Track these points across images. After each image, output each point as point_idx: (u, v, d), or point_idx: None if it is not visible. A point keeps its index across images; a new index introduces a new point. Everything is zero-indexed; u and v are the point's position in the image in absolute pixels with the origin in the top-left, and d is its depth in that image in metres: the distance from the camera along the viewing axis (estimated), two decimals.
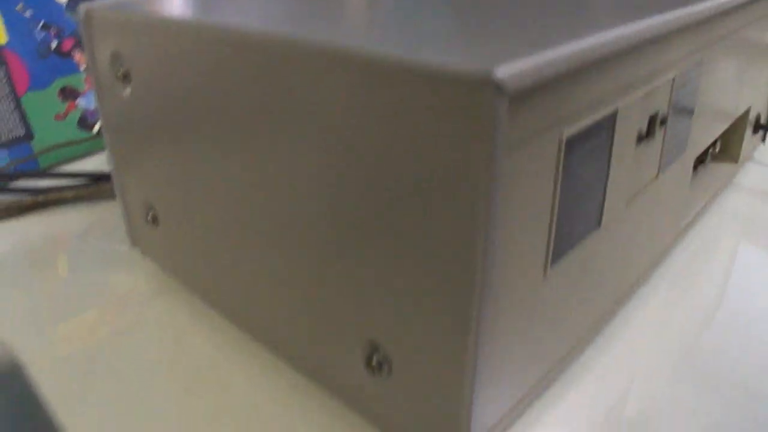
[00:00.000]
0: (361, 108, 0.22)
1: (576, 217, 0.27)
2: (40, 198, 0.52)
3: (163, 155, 0.36)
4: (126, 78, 0.36)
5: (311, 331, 0.30)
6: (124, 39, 0.35)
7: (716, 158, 0.49)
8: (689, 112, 0.36)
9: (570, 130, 0.24)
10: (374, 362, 0.27)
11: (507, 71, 0.19)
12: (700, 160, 0.47)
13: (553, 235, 0.25)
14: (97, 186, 0.53)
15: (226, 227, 0.33)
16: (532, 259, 0.25)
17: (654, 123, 0.31)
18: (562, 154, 0.24)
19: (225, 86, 0.28)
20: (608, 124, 0.27)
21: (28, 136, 0.60)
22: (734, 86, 0.43)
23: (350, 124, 0.23)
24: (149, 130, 0.36)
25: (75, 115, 0.62)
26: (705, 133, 0.41)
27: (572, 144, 0.24)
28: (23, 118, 0.59)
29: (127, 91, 0.36)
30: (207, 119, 0.31)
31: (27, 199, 0.52)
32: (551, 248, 0.26)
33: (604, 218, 0.29)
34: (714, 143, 0.48)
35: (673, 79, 0.32)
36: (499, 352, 0.25)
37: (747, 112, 0.48)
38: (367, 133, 0.23)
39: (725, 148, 0.50)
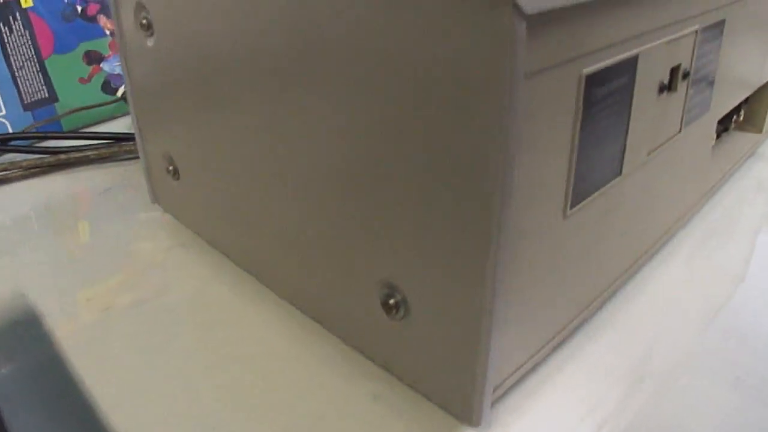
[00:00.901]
0: (392, 23, 0.22)
1: (597, 161, 0.27)
2: (62, 157, 0.53)
3: (185, 106, 0.36)
4: (149, 27, 0.36)
5: (330, 277, 0.30)
6: None
7: (740, 127, 0.49)
8: (712, 70, 0.35)
9: (590, 68, 0.24)
10: (392, 303, 0.27)
11: None
12: (724, 128, 0.47)
13: (573, 175, 0.25)
14: (119, 146, 0.54)
15: (245, 177, 0.33)
16: (551, 198, 0.25)
17: (676, 75, 0.31)
18: (582, 91, 0.24)
19: (252, 28, 0.29)
20: (629, 69, 0.26)
21: (52, 98, 0.60)
22: (758, 54, 0.43)
23: (378, 45, 0.23)
24: (171, 80, 0.36)
25: (99, 79, 0.63)
26: (728, 96, 0.40)
27: (592, 82, 0.24)
28: (47, 80, 0.60)
29: (150, 41, 0.37)
30: (231, 67, 0.31)
31: (50, 158, 0.53)
32: (571, 189, 0.26)
33: (625, 166, 0.29)
34: (738, 111, 0.48)
35: (696, 33, 0.31)
36: (518, 295, 0.25)
37: None
38: (395, 53, 0.22)
39: (749, 118, 0.49)
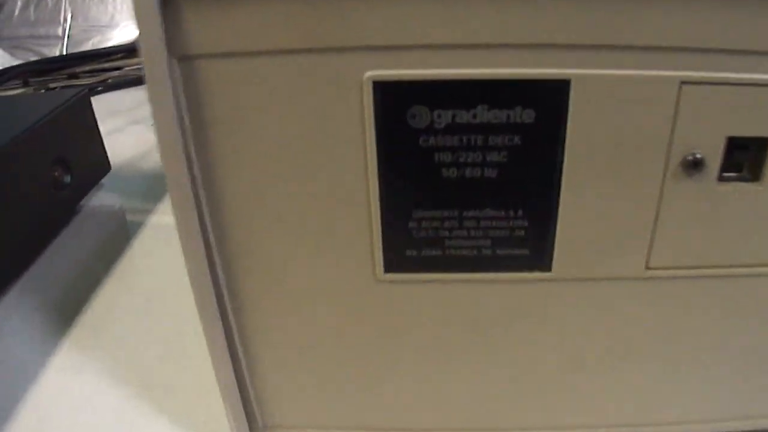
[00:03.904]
0: None
1: (455, 224, 0.18)
2: None
3: None
4: None
5: None
6: None
7: None
8: None
9: (376, 73, 0.15)
10: None
11: None
12: None
13: (380, 224, 0.17)
14: None
15: None
16: (355, 255, 0.18)
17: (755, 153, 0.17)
18: (370, 104, 0.16)
19: None
20: (525, 99, 0.16)
21: None
22: None
23: None
24: None
25: None
26: None
27: (394, 97, 0.16)
28: None
29: None
30: None
31: None
32: (380, 247, 0.18)
33: (559, 264, 0.18)
34: None
35: None
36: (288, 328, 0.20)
37: None
38: None
39: None
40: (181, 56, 0.15)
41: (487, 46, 0.15)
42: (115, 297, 0.34)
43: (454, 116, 0.16)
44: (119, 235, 0.39)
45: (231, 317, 0.19)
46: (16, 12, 0.75)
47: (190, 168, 0.17)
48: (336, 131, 0.16)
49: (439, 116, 0.16)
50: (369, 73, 0.15)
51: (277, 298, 0.19)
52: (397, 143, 0.16)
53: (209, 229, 0.18)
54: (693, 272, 0.19)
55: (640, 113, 0.16)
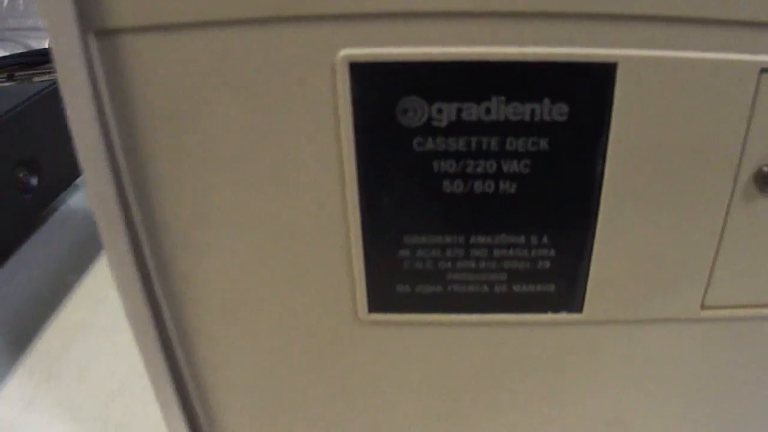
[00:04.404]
0: None
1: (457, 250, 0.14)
2: None
3: None
4: None
5: None
6: None
7: None
8: None
9: (354, 52, 0.11)
10: None
11: None
12: None
13: (362, 237, 0.14)
14: None
15: None
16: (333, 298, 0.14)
17: None
18: (347, 93, 0.12)
19: None
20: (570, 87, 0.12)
21: None
22: None
23: None
24: None
25: None
26: None
27: (379, 79, 0.12)
28: None
29: None
30: None
31: None
32: (364, 282, 0.14)
33: (591, 302, 0.14)
34: None
35: None
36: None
37: None
38: None
39: None
40: (99, 30, 0.11)
41: (504, 17, 0.11)
42: (80, 313, 0.30)
43: (459, 111, 0.12)
44: (93, 241, 0.35)
45: (181, 361, 0.16)
46: (5, 3, 0.71)
47: (116, 173, 0.13)
48: (303, 129, 0.12)
49: (440, 111, 0.12)
50: (345, 52, 0.11)
51: (235, 339, 0.15)
52: (384, 147, 0.12)
53: (146, 253, 0.14)
54: (758, 312, 0.15)
55: (705, 110, 0.12)
